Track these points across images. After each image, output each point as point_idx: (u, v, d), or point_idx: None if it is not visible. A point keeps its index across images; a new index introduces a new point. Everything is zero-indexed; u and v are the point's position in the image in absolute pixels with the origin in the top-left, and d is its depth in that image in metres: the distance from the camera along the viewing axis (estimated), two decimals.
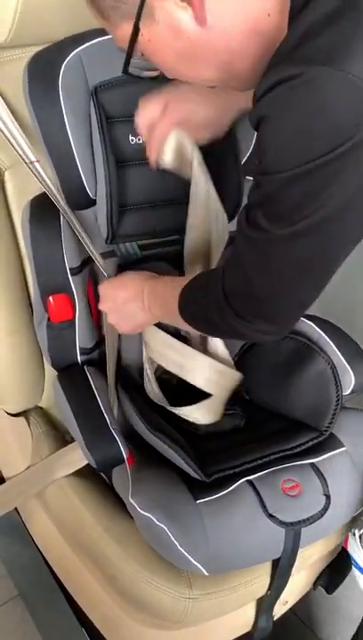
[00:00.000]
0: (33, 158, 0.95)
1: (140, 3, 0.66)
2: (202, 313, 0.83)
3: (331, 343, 1.12)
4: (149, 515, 0.91)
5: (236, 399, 1.20)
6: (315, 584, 1.21)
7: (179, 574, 0.96)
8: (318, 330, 1.14)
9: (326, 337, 1.13)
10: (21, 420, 1.20)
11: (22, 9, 0.86)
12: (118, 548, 0.99)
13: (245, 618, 1.09)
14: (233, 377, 1.09)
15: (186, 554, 0.90)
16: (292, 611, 1.20)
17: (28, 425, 1.19)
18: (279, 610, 1.10)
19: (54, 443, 1.16)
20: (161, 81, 0.87)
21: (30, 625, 1.40)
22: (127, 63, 0.74)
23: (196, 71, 0.73)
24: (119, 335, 1.09)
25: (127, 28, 0.69)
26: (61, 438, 1.19)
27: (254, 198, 0.70)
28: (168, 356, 1.07)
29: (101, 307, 1.02)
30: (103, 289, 1.02)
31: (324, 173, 0.61)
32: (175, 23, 0.67)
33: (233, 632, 1.12)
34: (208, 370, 1.06)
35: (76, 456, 1.04)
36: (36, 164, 0.95)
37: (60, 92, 0.91)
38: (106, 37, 0.95)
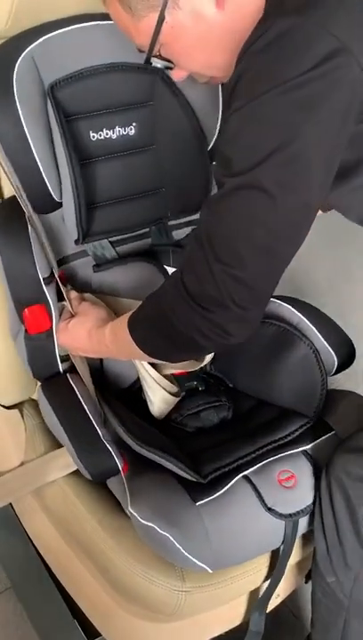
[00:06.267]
0: None
1: None
2: (157, 328, 0.81)
3: (312, 326, 1.11)
4: (151, 524, 0.91)
5: (221, 389, 1.19)
6: (307, 577, 1.22)
7: (172, 567, 0.96)
8: (297, 313, 1.13)
9: (306, 321, 1.12)
10: (15, 412, 1.19)
11: None
12: (112, 541, 0.99)
13: (238, 610, 1.10)
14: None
15: (191, 557, 0.90)
16: (283, 603, 1.21)
17: (22, 417, 1.19)
18: (272, 603, 1.10)
19: (48, 436, 1.16)
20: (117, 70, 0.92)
21: (23, 617, 1.40)
22: (150, 52, 0.79)
23: (210, 55, 0.79)
24: None
25: (153, 18, 0.75)
26: None
27: (217, 157, 0.73)
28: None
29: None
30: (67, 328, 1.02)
31: (281, 103, 0.65)
32: (196, 8, 0.74)
33: (226, 624, 1.12)
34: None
35: (71, 460, 1.03)
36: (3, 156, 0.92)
37: (16, 95, 0.89)
38: (57, 32, 0.93)
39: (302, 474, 1.00)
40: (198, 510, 0.93)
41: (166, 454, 0.94)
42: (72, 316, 1.03)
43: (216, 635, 1.12)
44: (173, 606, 0.96)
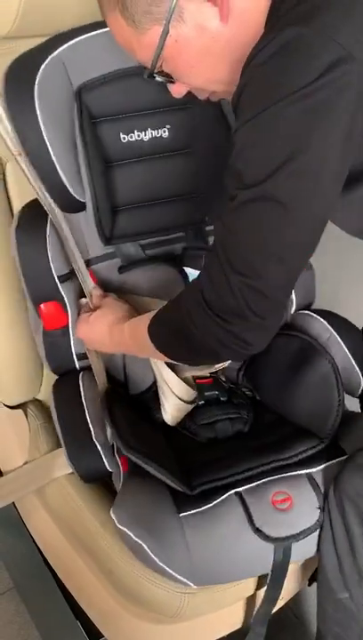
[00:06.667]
0: (15, 151, 0.91)
1: (173, 3, 0.71)
2: (176, 334, 0.80)
3: (341, 343, 1.08)
4: (126, 530, 0.90)
5: (244, 402, 1.17)
6: (310, 580, 1.22)
7: None
8: (329, 328, 1.10)
9: (337, 336, 1.09)
10: (19, 412, 1.19)
11: None
12: (115, 542, 0.99)
13: (240, 613, 1.10)
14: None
15: (167, 569, 0.89)
16: (286, 605, 1.20)
17: (26, 417, 1.19)
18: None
19: (52, 436, 1.16)
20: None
21: (26, 617, 1.40)
22: (154, 67, 0.78)
23: (213, 70, 0.78)
24: None
25: (156, 31, 0.74)
26: None
27: (228, 170, 0.71)
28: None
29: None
30: (87, 319, 1.02)
31: (287, 117, 0.64)
32: (200, 21, 0.73)
33: (228, 627, 1.12)
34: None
35: None
36: (23, 158, 0.91)
37: (36, 99, 0.88)
38: (89, 34, 0.93)
39: (301, 497, 0.95)
40: (180, 522, 0.91)
41: (151, 461, 0.92)
42: (93, 310, 1.03)
43: (218, 637, 1.12)
44: (175, 608, 0.95)
